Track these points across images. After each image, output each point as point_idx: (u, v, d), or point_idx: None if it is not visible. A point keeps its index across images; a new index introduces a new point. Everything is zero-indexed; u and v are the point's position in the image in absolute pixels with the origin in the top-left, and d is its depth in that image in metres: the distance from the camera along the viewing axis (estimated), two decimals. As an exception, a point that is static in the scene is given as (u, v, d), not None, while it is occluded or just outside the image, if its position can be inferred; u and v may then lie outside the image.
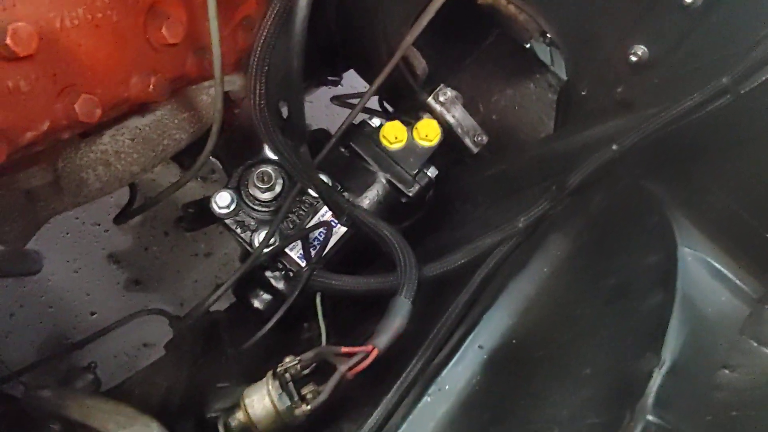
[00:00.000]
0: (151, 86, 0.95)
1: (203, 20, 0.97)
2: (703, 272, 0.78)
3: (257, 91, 0.90)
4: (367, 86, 1.56)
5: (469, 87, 1.46)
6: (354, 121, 1.18)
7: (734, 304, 0.76)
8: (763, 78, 0.80)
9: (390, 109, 1.55)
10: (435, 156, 1.23)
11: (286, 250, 1.14)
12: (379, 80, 1.08)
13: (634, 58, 1.02)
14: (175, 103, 1.07)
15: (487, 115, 1.47)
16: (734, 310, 0.75)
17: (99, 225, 2.02)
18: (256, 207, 1.16)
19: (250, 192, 1.16)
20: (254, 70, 0.89)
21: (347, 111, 1.53)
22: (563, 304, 0.87)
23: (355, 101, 1.55)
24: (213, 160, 1.42)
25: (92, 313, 1.94)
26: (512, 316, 0.89)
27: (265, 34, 0.86)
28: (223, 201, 1.14)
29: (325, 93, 1.72)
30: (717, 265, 0.79)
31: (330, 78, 1.69)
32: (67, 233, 1.98)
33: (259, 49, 0.87)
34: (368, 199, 1.19)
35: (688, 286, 0.74)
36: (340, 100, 1.58)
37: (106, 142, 0.99)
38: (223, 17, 0.97)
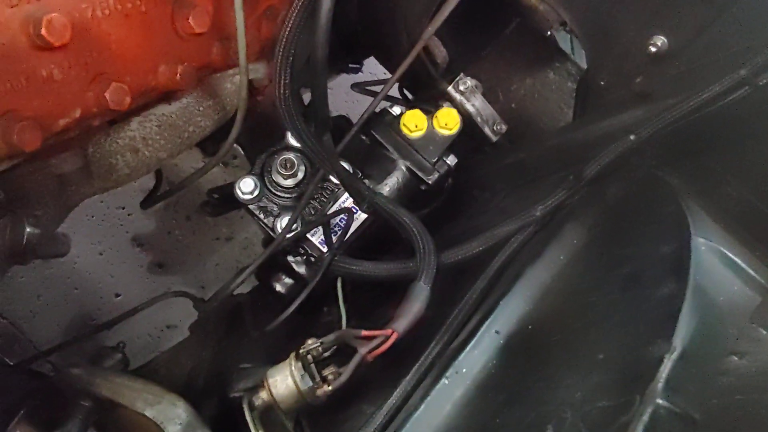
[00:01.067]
0: (178, 75, 0.97)
1: (229, 10, 0.98)
2: (716, 262, 0.79)
3: (282, 81, 0.91)
4: (387, 73, 1.58)
5: (488, 75, 1.47)
6: (375, 110, 1.19)
7: (746, 293, 0.77)
8: (782, 71, 0.81)
9: (410, 96, 1.56)
10: (454, 144, 1.24)
11: (308, 235, 1.15)
12: (400, 71, 1.09)
13: (653, 49, 1.03)
14: (200, 91, 1.08)
15: (507, 104, 1.47)
16: (746, 299, 0.76)
17: (123, 209, 2.04)
18: (278, 193, 1.17)
19: (273, 178, 1.17)
20: (279, 61, 0.90)
21: (367, 97, 1.55)
22: (578, 292, 0.88)
23: (375, 88, 1.57)
24: (235, 145, 1.44)
25: (116, 295, 1.97)
26: (528, 302, 0.90)
27: (290, 26, 0.88)
28: (246, 187, 1.16)
29: (345, 80, 1.72)
30: (730, 254, 0.80)
31: (351, 65, 1.70)
32: (92, 216, 2.01)
33: (284, 40, 0.89)
34: (388, 186, 1.20)
35: (701, 276, 0.74)
36: (360, 88, 1.59)
37: (134, 129, 1.01)
38: (248, 7, 0.99)
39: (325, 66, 0.92)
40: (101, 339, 1.65)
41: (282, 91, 0.92)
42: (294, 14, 0.87)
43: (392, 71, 1.18)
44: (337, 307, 1.04)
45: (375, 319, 0.96)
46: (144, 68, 0.93)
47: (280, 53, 0.90)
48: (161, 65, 0.95)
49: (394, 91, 1.54)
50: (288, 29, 0.88)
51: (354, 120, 1.19)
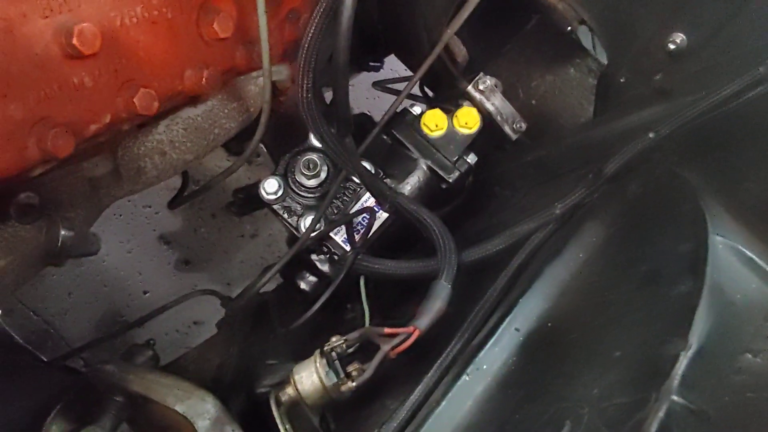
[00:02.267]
0: (203, 79, 0.99)
1: (252, 14, 1.00)
2: (734, 260, 0.78)
3: (305, 85, 0.92)
4: (408, 70, 1.59)
5: (508, 72, 1.47)
6: (396, 110, 1.20)
7: (763, 290, 0.77)
8: (800, 68, 0.81)
9: (431, 93, 1.57)
10: (474, 143, 1.24)
11: (331, 234, 1.16)
12: (420, 72, 1.10)
13: (672, 46, 1.03)
14: (224, 94, 1.10)
15: (527, 101, 1.47)
16: (763, 297, 0.76)
17: (150, 207, 2.07)
18: (302, 193, 1.19)
19: (297, 179, 1.19)
20: (302, 66, 0.91)
21: (388, 94, 1.56)
22: (596, 289, 0.89)
23: (396, 86, 1.58)
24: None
25: (145, 292, 2.00)
26: (548, 300, 0.91)
27: (312, 31, 0.89)
28: (271, 187, 1.17)
29: (366, 77, 1.74)
30: (748, 252, 0.79)
31: (371, 63, 1.71)
32: (120, 215, 2.04)
33: (306, 46, 0.90)
34: (410, 185, 1.21)
35: (718, 274, 0.74)
36: (381, 86, 1.61)
37: (161, 132, 1.03)
38: (271, 11, 1.00)
39: (347, 70, 0.93)
40: (131, 336, 1.68)
41: (305, 95, 0.93)
42: (316, 20, 0.89)
43: (413, 69, 1.18)
44: (360, 304, 1.06)
45: (397, 317, 0.98)
46: (171, 74, 0.95)
47: (303, 59, 0.91)
48: (187, 70, 0.98)
49: (415, 89, 1.55)
50: (310, 35, 0.89)
51: (375, 117, 1.20)
